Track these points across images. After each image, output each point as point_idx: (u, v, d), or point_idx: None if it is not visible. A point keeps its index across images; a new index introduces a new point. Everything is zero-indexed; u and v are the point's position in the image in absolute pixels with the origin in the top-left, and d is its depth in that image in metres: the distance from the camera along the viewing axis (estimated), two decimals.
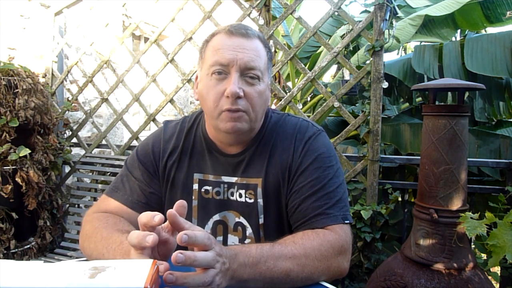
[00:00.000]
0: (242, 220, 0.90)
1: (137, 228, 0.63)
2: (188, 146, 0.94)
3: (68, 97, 2.81)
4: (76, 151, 3.06)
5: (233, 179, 0.90)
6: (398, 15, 2.12)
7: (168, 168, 0.93)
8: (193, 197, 0.91)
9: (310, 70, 2.19)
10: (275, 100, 2.88)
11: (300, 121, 0.93)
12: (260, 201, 0.88)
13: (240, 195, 0.89)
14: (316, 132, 0.90)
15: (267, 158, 0.89)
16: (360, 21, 2.07)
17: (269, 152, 0.89)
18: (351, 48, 2.98)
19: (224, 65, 0.80)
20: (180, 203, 0.63)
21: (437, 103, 1.54)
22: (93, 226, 0.81)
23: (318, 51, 3.73)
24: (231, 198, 0.90)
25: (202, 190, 0.91)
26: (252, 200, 0.88)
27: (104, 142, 2.66)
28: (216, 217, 0.91)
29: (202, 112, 0.97)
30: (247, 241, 0.90)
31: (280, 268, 0.68)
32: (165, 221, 0.62)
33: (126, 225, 0.81)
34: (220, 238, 0.91)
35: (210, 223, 0.91)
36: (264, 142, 0.90)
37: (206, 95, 0.83)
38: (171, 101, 2.46)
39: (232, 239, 0.91)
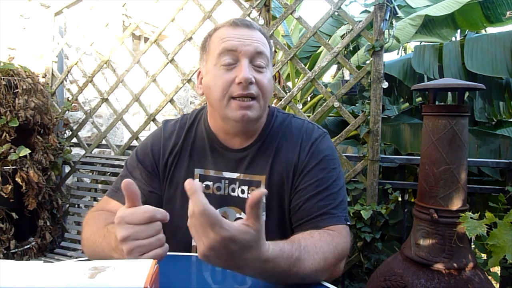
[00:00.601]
0: (243, 216, 0.90)
1: None
2: (188, 142, 0.94)
3: (68, 97, 2.81)
4: (76, 151, 3.05)
5: (235, 175, 0.90)
6: (398, 15, 2.12)
7: (169, 165, 0.93)
8: None
9: (310, 70, 2.19)
10: (275, 100, 2.88)
11: (306, 123, 0.94)
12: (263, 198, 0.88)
13: (243, 191, 0.89)
14: (322, 134, 0.92)
15: (272, 156, 0.89)
16: (360, 21, 2.07)
17: (275, 150, 0.90)
18: (351, 48, 2.99)
19: (232, 51, 0.81)
20: (126, 181, 0.60)
21: (437, 103, 1.54)
22: (88, 225, 0.82)
23: (318, 51, 3.73)
24: (232, 194, 0.90)
25: (203, 185, 0.91)
26: None
27: (104, 142, 2.66)
28: None
29: (203, 109, 0.97)
30: None
31: (300, 274, 0.67)
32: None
33: None
34: None
35: None
36: (270, 140, 0.91)
37: (213, 85, 0.83)
38: (171, 101, 2.46)
39: None
